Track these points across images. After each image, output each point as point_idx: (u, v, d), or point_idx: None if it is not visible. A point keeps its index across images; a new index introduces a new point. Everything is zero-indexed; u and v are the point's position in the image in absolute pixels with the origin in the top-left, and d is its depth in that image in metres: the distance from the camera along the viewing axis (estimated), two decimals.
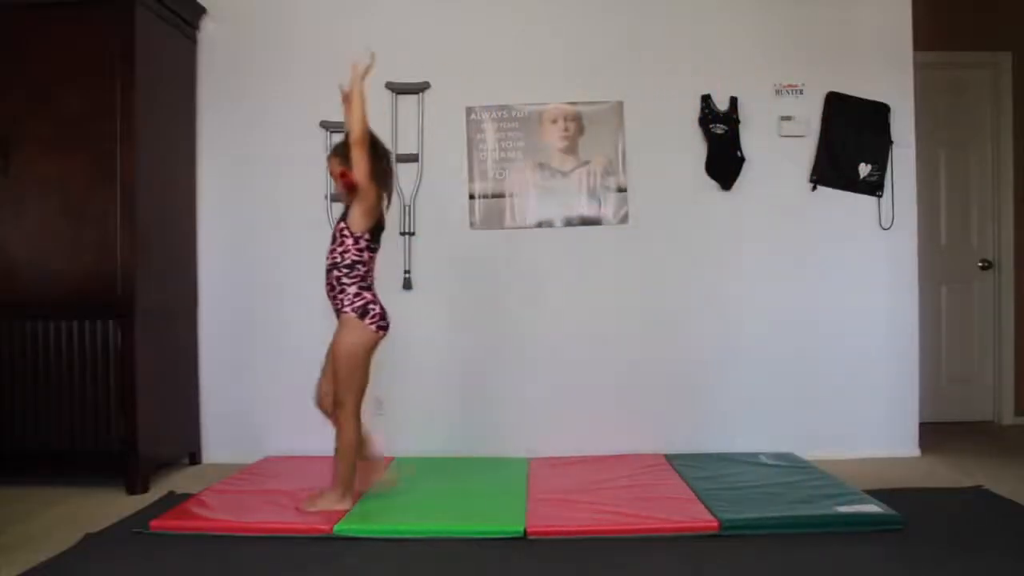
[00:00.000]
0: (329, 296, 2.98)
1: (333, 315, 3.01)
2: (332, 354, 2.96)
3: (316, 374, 3.97)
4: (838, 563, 2.46)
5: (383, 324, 2.96)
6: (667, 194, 3.98)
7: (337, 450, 2.98)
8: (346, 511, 2.92)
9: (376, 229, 3.01)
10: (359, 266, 2.94)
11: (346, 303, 2.92)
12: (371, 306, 2.93)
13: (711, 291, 3.98)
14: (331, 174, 3.05)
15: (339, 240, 2.95)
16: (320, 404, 3.08)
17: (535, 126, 4.02)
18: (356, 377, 2.92)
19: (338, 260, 2.94)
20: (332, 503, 2.95)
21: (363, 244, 2.96)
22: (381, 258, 3.96)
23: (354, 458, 2.98)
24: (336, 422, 2.97)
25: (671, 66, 3.99)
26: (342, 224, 2.97)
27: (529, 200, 4.02)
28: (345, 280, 2.93)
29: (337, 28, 4.04)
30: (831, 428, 3.93)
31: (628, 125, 3.99)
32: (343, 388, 2.92)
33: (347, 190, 2.91)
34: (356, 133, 2.85)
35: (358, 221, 2.93)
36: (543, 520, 2.80)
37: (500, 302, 3.99)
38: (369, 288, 2.98)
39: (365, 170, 2.86)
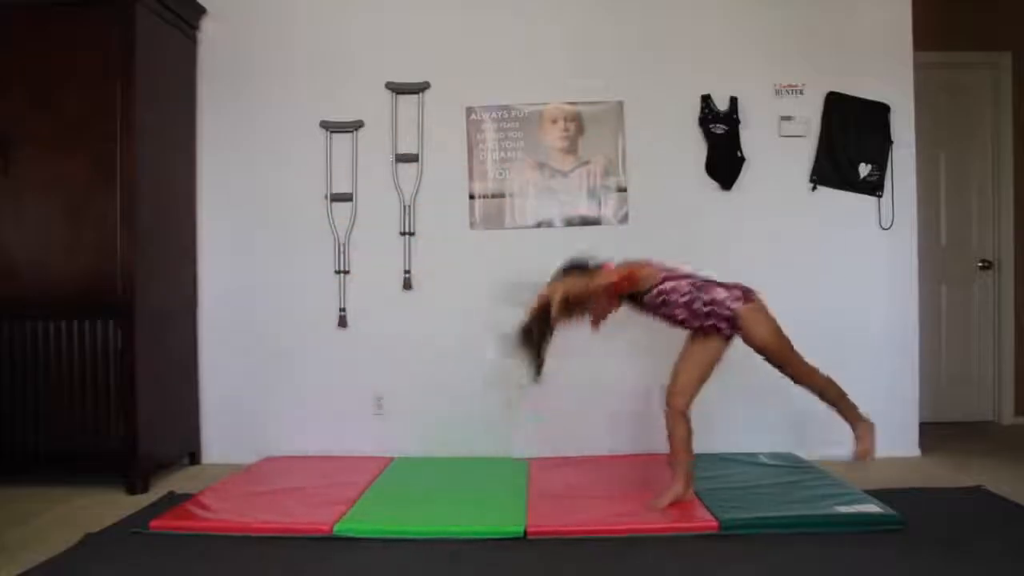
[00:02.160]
0: (711, 321, 2.91)
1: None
2: (761, 349, 2.92)
3: (315, 374, 4.00)
4: (838, 563, 2.46)
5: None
6: (667, 194, 3.98)
7: (829, 396, 2.96)
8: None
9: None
10: (682, 281, 2.94)
11: (732, 304, 2.88)
12: (743, 287, 2.93)
13: None
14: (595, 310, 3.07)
15: (667, 295, 2.93)
16: None
17: (535, 126, 4.02)
18: (790, 344, 2.93)
19: (687, 300, 2.91)
20: (867, 429, 2.95)
21: (670, 274, 2.97)
22: (381, 258, 4.02)
23: (841, 388, 2.96)
24: (812, 386, 2.97)
25: (671, 66, 3.99)
26: (649, 295, 2.95)
27: (529, 200, 4.02)
28: (708, 297, 2.90)
29: (337, 28, 4.04)
30: (831, 428, 3.90)
31: (628, 125, 3.99)
32: (794, 361, 2.94)
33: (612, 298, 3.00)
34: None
35: (652, 276, 2.95)
36: (543, 520, 2.81)
37: (500, 302, 3.98)
38: (702, 286, 2.94)
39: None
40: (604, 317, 3.07)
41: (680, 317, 2.95)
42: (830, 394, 2.96)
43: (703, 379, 2.99)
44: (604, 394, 3.97)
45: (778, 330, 2.91)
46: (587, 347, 3.96)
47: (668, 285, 2.94)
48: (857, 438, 2.98)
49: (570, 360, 3.97)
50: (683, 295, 2.92)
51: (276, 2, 4.07)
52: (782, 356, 2.92)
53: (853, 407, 2.97)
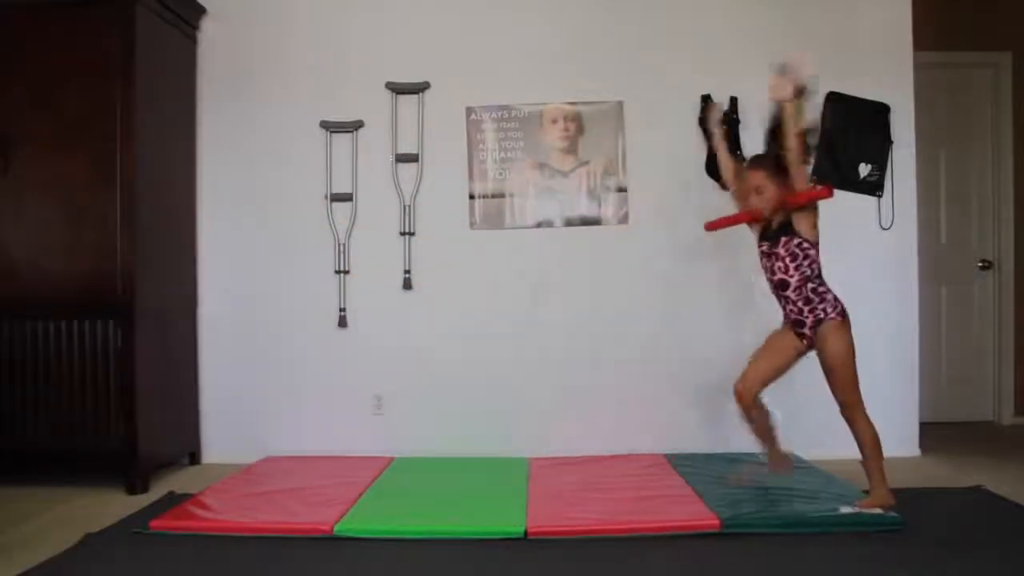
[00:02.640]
0: (804, 310, 2.93)
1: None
2: (830, 364, 2.90)
3: (315, 373, 4.00)
4: (838, 563, 2.46)
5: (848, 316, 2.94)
6: (667, 194, 3.98)
7: (865, 447, 2.91)
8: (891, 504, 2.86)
9: None
10: (822, 271, 2.95)
11: (829, 311, 2.90)
12: (844, 305, 2.93)
13: (711, 290, 3.97)
14: (754, 195, 2.97)
15: (802, 256, 2.90)
16: (742, 399, 3.04)
17: (535, 126, 4.02)
18: (856, 374, 2.90)
19: (809, 273, 2.91)
20: (884, 499, 2.87)
21: (818, 247, 2.95)
22: (381, 258, 4.02)
23: (881, 450, 2.92)
24: (853, 422, 2.92)
25: (671, 66, 3.99)
26: (795, 240, 2.90)
27: (529, 200, 4.02)
28: (821, 289, 2.93)
29: (337, 28, 4.04)
30: (831, 428, 3.90)
31: (628, 125, 3.99)
32: (851, 389, 2.90)
33: (791, 208, 2.89)
34: (797, 152, 2.86)
35: (812, 230, 2.91)
36: (543, 520, 2.80)
37: (500, 302, 4.00)
38: (823, 280, 2.96)
39: (805, 184, 2.87)
40: (753, 213, 3.00)
41: (791, 278, 2.92)
42: (868, 448, 2.92)
43: (770, 374, 3.02)
44: (607, 394, 3.97)
45: (851, 355, 2.89)
46: (589, 348, 3.98)
47: (815, 251, 2.92)
48: (868, 495, 2.93)
49: (572, 360, 3.99)
50: (811, 266, 2.92)
51: (276, 2, 4.07)
52: (843, 381, 2.89)
53: (882, 472, 2.91)
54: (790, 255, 2.93)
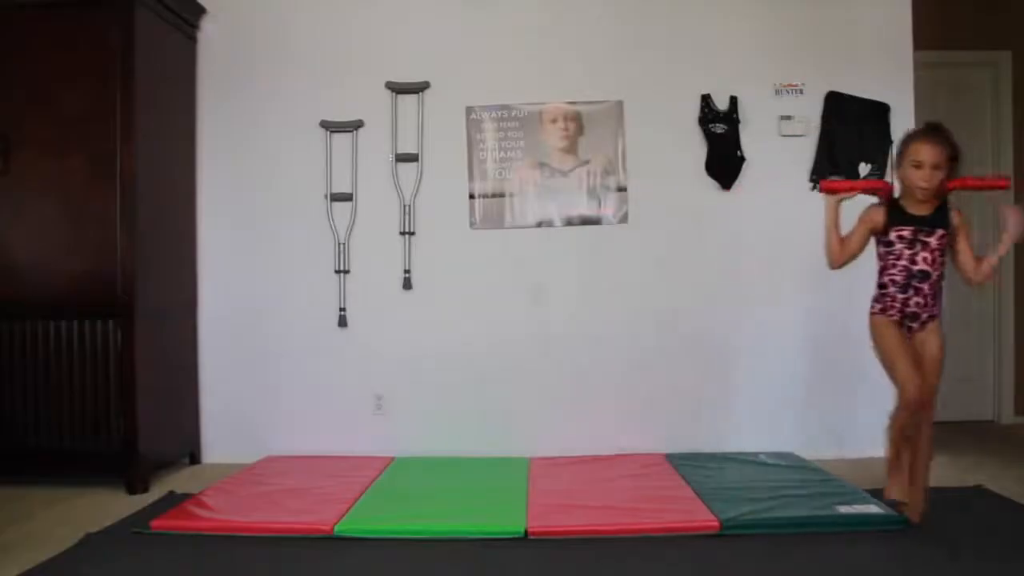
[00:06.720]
0: (926, 303, 2.90)
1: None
2: (933, 359, 2.92)
3: (315, 373, 4.00)
4: (838, 563, 2.46)
5: None
6: (667, 194, 3.98)
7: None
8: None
9: None
10: None
11: (937, 310, 2.89)
12: None
13: (710, 291, 3.97)
14: (927, 169, 2.87)
15: (946, 252, 2.86)
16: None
17: (535, 126, 4.02)
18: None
19: (942, 272, 2.87)
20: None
21: None
22: (381, 258, 4.02)
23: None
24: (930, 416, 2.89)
25: (671, 66, 3.99)
26: (947, 237, 2.85)
27: (529, 200, 4.02)
28: (939, 287, 2.88)
29: (336, 28, 4.04)
30: (831, 428, 3.93)
31: (628, 125, 3.99)
32: (937, 386, 2.91)
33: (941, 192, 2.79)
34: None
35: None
36: (543, 520, 2.80)
37: (500, 302, 4.00)
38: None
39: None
40: (886, 186, 3.07)
41: (933, 272, 2.88)
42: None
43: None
44: (606, 394, 3.97)
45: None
46: (589, 348, 3.98)
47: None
48: None
49: (572, 360, 3.99)
50: (943, 265, 2.88)
51: (276, 2, 4.07)
52: (939, 375, 2.98)
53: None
54: (940, 250, 2.82)
